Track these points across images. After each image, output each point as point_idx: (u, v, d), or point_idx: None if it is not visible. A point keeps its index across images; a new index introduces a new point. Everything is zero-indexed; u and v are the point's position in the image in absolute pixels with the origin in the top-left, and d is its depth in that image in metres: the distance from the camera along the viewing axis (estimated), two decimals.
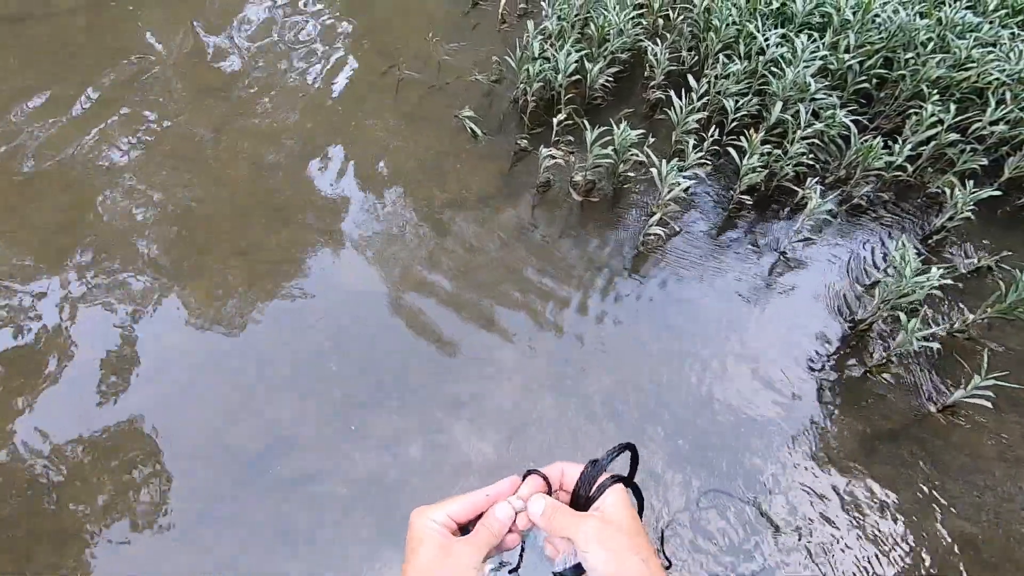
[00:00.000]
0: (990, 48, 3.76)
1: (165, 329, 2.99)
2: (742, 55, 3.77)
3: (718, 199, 3.66)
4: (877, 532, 2.61)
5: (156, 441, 2.67)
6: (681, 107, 3.57)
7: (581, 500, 0.83)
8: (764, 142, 3.47)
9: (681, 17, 4.11)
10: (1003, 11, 4.03)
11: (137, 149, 3.64)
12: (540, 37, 3.88)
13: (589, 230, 3.48)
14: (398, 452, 2.69)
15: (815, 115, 3.61)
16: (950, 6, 3.85)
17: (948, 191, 3.45)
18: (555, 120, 3.62)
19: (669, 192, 3.26)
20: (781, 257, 3.45)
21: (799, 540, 2.58)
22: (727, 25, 3.81)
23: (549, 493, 0.86)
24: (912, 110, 3.67)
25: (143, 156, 3.61)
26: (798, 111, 3.50)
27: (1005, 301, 3.02)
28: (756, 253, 3.46)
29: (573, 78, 3.78)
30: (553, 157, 3.47)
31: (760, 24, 3.80)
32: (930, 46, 3.75)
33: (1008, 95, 3.61)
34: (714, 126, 3.63)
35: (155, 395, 2.79)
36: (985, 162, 3.57)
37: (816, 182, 3.42)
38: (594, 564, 0.76)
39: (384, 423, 2.76)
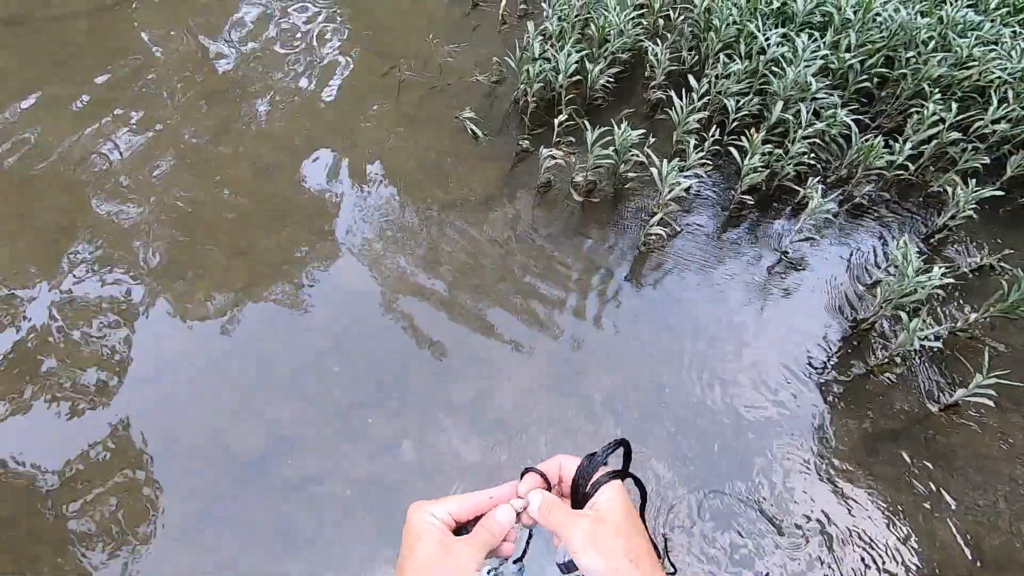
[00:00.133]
0: (991, 46, 3.75)
1: (165, 330, 2.99)
2: (743, 55, 3.76)
3: (719, 199, 3.66)
4: (879, 532, 2.60)
5: (157, 442, 2.67)
6: (682, 107, 3.56)
7: (579, 495, 0.82)
8: (765, 142, 3.46)
9: (681, 17, 4.10)
10: (1004, 9, 4.02)
11: (137, 151, 3.65)
12: (540, 38, 3.88)
13: (590, 230, 3.48)
14: (398, 453, 2.69)
15: (816, 114, 3.60)
16: (951, 5, 3.84)
17: (950, 190, 3.44)
18: (556, 121, 3.62)
19: (670, 192, 3.25)
20: (782, 257, 3.44)
21: (801, 541, 2.57)
22: (728, 25, 3.80)
23: (549, 489, 0.86)
24: (913, 109, 3.66)
25: (143, 158, 3.62)
26: (799, 110, 3.49)
27: (1007, 300, 3.00)
28: (757, 253, 3.45)
29: (574, 79, 3.78)
30: (554, 157, 3.47)
31: (761, 24, 3.79)
32: (931, 45, 3.74)
33: (1010, 93, 3.60)
34: (715, 126, 3.63)
35: (156, 396, 2.79)
36: (987, 161, 3.56)
37: (817, 181, 3.41)
38: (586, 565, 0.75)
39: (384, 423, 2.76)
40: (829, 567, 2.51)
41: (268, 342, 2.98)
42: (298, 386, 2.85)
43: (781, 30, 3.78)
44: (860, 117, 3.68)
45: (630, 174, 3.57)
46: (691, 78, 3.67)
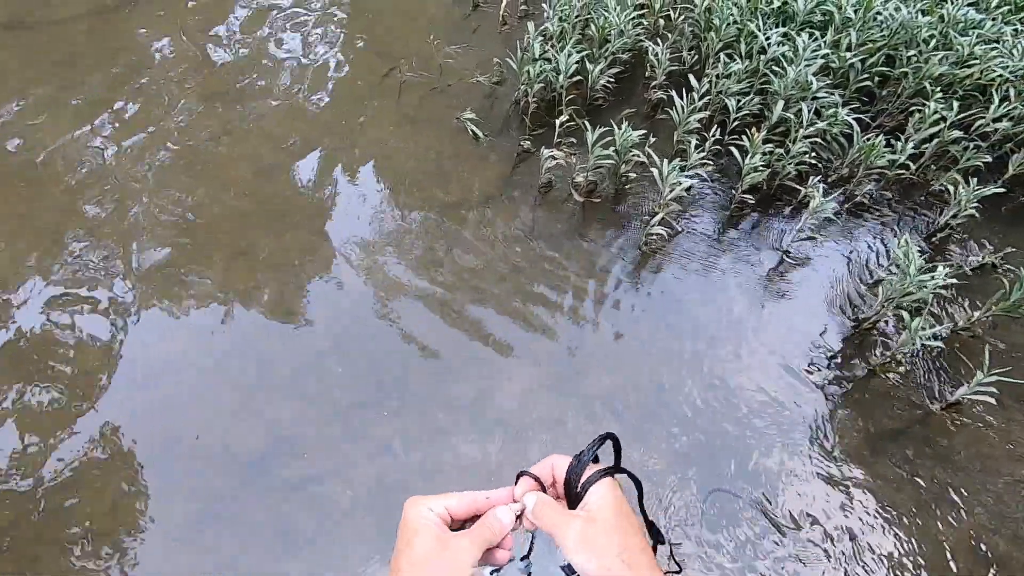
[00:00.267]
0: (993, 45, 3.74)
1: (166, 330, 3.00)
2: (743, 54, 3.76)
3: (720, 199, 3.65)
4: (882, 532, 2.60)
5: (158, 442, 2.68)
6: (683, 107, 3.56)
7: (572, 495, 0.82)
8: (766, 141, 3.46)
9: (682, 17, 4.10)
10: (1005, 7, 4.01)
11: (137, 152, 3.66)
12: (541, 38, 3.88)
13: (591, 231, 3.48)
14: (399, 453, 2.69)
15: (817, 114, 3.60)
16: (952, 3, 3.83)
17: (951, 189, 3.43)
18: (557, 121, 3.62)
19: (671, 192, 3.25)
20: (784, 256, 3.43)
21: (804, 541, 2.56)
22: (728, 24, 3.80)
23: (545, 491, 0.85)
24: (915, 108, 3.65)
25: (144, 159, 3.63)
26: (800, 110, 3.48)
27: (1009, 298, 2.99)
28: (758, 252, 3.45)
29: (574, 79, 3.78)
30: (554, 158, 3.47)
31: (761, 23, 3.79)
32: (932, 43, 3.73)
33: (1011, 91, 3.59)
34: (716, 126, 3.63)
35: (156, 396, 2.80)
36: (989, 159, 3.55)
37: (819, 181, 3.41)
38: (579, 565, 0.74)
39: (385, 423, 2.77)
40: (831, 567, 2.51)
41: (268, 342, 2.99)
42: (298, 386, 2.85)
43: (782, 29, 3.78)
44: (861, 116, 3.67)
45: (631, 174, 3.57)
46: (692, 78, 3.67)
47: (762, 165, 3.38)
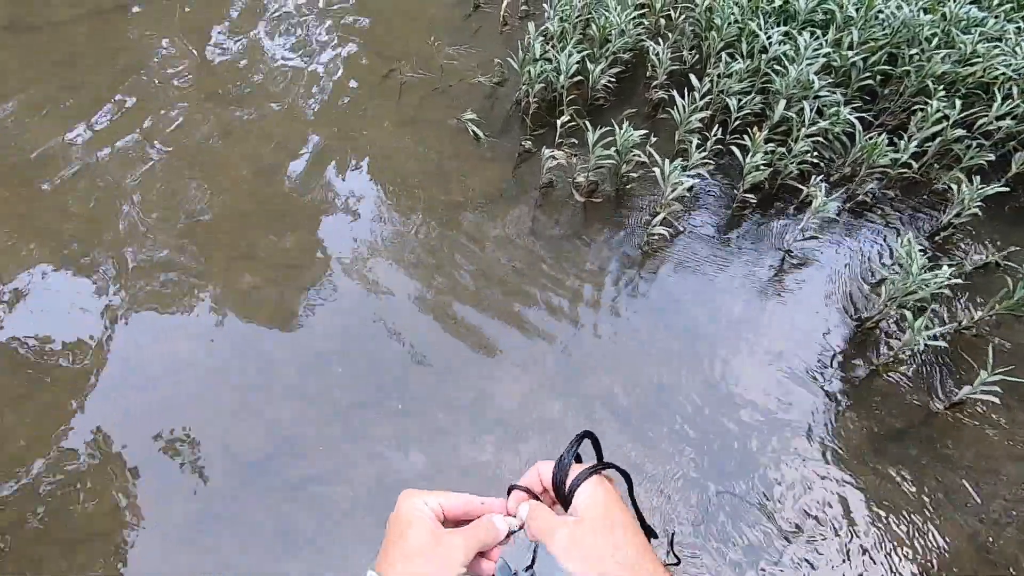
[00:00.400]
0: (996, 43, 3.72)
1: (167, 331, 3.00)
2: (744, 53, 3.75)
3: (722, 198, 3.64)
4: (885, 532, 2.58)
5: (162, 445, 2.68)
6: (684, 106, 3.55)
7: (561, 500, 0.80)
8: (768, 140, 3.45)
9: (683, 16, 4.09)
10: (1008, 5, 3.99)
11: (138, 153, 3.66)
12: (541, 38, 3.88)
13: (592, 231, 3.47)
14: (400, 454, 2.69)
15: (819, 113, 3.58)
16: (954, 1, 3.82)
17: (954, 187, 3.42)
18: (559, 122, 3.62)
19: (672, 192, 3.24)
20: (786, 255, 3.42)
21: (806, 541, 2.55)
22: (729, 24, 3.79)
23: (538, 500, 0.84)
24: (917, 106, 3.64)
25: (144, 160, 3.63)
26: (802, 109, 3.47)
27: (1013, 297, 2.98)
28: (760, 252, 3.44)
29: (575, 79, 3.78)
30: (555, 158, 3.46)
31: (762, 22, 3.78)
32: (935, 41, 3.72)
33: (1015, 90, 3.57)
34: (717, 125, 3.62)
35: (157, 397, 2.79)
36: (992, 158, 3.53)
37: (821, 180, 3.40)
38: (573, 572, 0.72)
39: (385, 424, 2.76)
40: (834, 567, 2.49)
41: (268, 343, 2.98)
42: (298, 387, 2.85)
43: (783, 28, 3.77)
44: (863, 115, 3.65)
45: (632, 174, 3.56)
46: (693, 77, 3.66)
47: (764, 164, 3.37)
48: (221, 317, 3.05)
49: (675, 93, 3.63)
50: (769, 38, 3.67)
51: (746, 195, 3.48)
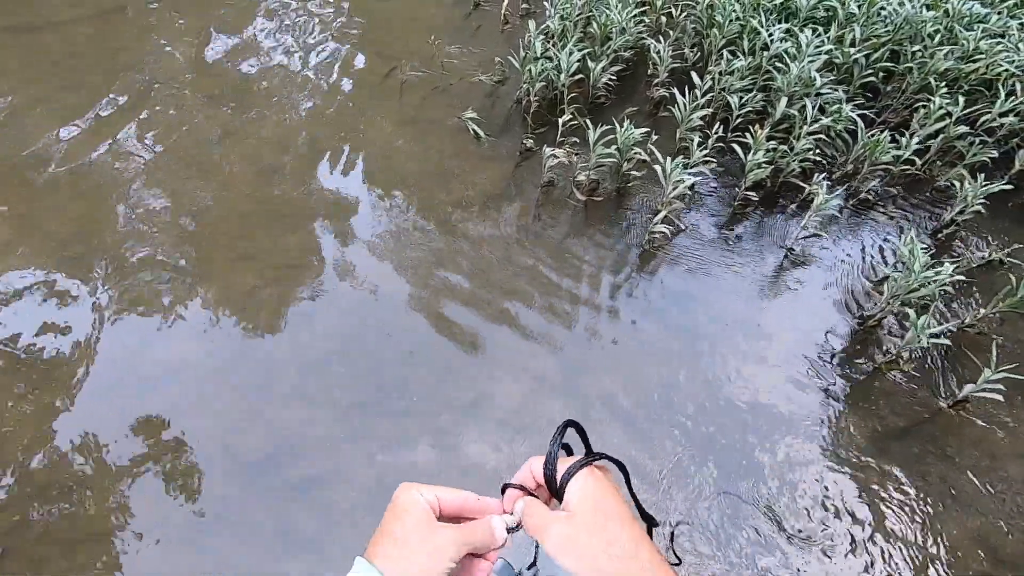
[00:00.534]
0: (999, 39, 3.71)
1: (169, 332, 3.00)
2: (746, 51, 3.74)
3: (723, 196, 3.63)
4: (889, 531, 2.57)
5: (163, 446, 2.68)
6: (685, 104, 3.54)
7: (554, 494, 0.79)
8: (770, 138, 3.44)
9: (684, 14, 4.08)
10: (1011, 1, 3.98)
11: (146, 156, 3.67)
12: (542, 37, 3.87)
13: (593, 229, 3.47)
14: (402, 454, 2.68)
15: (821, 110, 3.57)
16: None
17: (957, 184, 3.41)
18: (560, 120, 3.61)
19: (674, 190, 3.23)
20: (788, 254, 3.41)
21: (809, 541, 2.54)
22: (730, 21, 3.78)
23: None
24: (920, 103, 3.62)
25: (152, 163, 3.64)
26: (804, 106, 3.46)
27: (1016, 295, 2.97)
28: (762, 250, 3.42)
29: (576, 77, 3.77)
30: (556, 157, 3.46)
31: (764, 19, 3.77)
32: (937, 38, 3.71)
33: (1018, 86, 3.56)
34: (718, 123, 3.61)
35: (163, 400, 2.79)
36: (995, 155, 3.51)
37: (823, 177, 3.38)
38: (567, 568, 0.72)
39: (389, 425, 2.76)
40: (836, 566, 2.49)
41: (273, 345, 2.98)
42: (299, 387, 2.84)
43: (784, 25, 3.75)
44: (866, 112, 3.64)
45: (633, 173, 3.55)
46: (694, 75, 3.65)
47: (765, 162, 3.36)
48: (221, 317, 3.05)
49: (676, 91, 3.62)
50: (771, 35, 3.65)
51: (748, 193, 3.47)
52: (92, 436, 2.69)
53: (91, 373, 2.86)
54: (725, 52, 3.76)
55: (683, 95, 3.56)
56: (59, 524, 2.47)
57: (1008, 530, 2.57)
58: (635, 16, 3.90)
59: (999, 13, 3.88)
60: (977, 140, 3.54)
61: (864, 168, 3.51)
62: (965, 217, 3.38)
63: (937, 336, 2.87)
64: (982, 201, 3.29)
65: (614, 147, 3.37)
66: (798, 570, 2.47)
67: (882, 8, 3.82)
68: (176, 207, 3.44)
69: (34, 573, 2.37)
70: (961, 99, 3.47)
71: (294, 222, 3.42)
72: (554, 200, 3.58)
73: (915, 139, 3.43)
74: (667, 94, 3.86)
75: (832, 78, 3.66)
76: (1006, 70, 3.58)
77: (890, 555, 2.51)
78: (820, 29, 3.72)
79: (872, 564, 2.49)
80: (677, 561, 2.45)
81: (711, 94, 3.64)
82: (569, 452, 0.84)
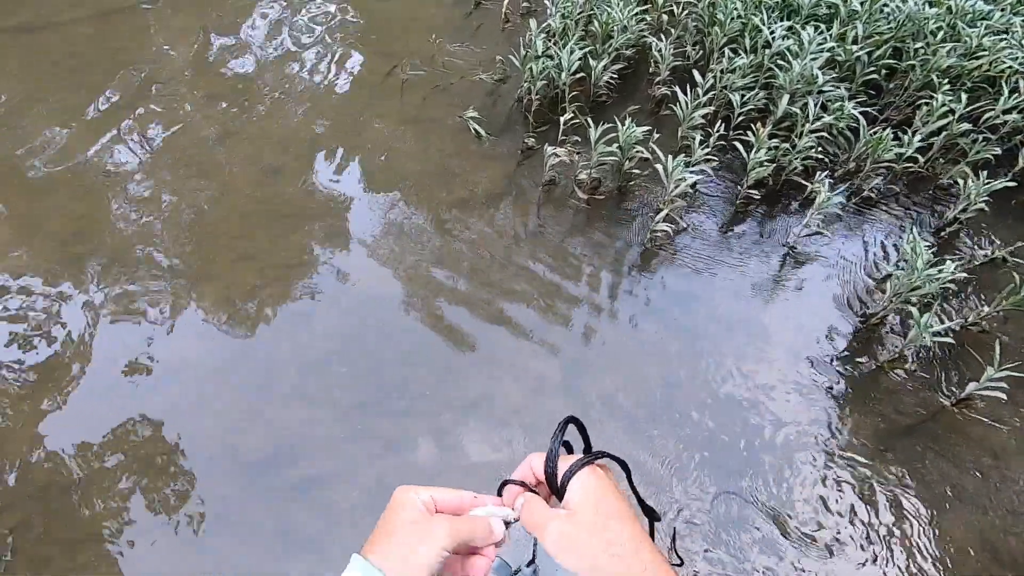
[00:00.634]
0: (1002, 36, 3.69)
1: (171, 333, 3.00)
2: (748, 49, 3.73)
3: (725, 195, 3.62)
4: (892, 530, 2.56)
5: (165, 446, 2.68)
6: (687, 102, 3.53)
7: (554, 492, 0.79)
8: (772, 136, 3.43)
9: (685, 12, 4.07)
10: None
11: (146, 156, 3.67)
12: (543, 35, 3.86)
13: (595, 228, 3.46)
14: (403, 454, 2.68)
15: (823, 108, 3.56)
16: None
17: (960, 182, 3.39)
18: (561, 119, 3.60)
19: (675, 188, 3.22)
20: (790, 252, 3.40)
21: (811, 540, 2.54)
22: (732, 19, 3.77)
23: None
24: (922, 100, 3.61)
25: (152, 163, 3.64)
26: (806, 104, 3.45)
27: (1020, 293, 2.95)
28: (764, 248, 3.42)
29: (577, 76, 3.76)
30: (557, 155, 3.45)
31: (765, 17, 3.75)
32: (940, 35, 3.69)
33: (1021, 83, 3.54)
34: (720, 121, 3.59)
35: (164, 400, 2.79)
36: (998, 152, 3.50)
37: (825, 175, 3.37)
38: (567, 567, 0.72)
39: (389, 425, 2.75)
40: (840, 566, 2.48)
41: (275, 345, 2.98)
42: (300, 387, 2.84)
43: (786, 23, 3.74)
44: (868, 110, 3.63)
45: (635, 171, 3.54)
46: (696, 73, 3.64)
47: (767, 160, 3.35)
48: (222, 317, 3.05)
49: (678, 89, 3.61)
50: (772, 33, 3.64)
51: (750, 191, 3.46)
52: (92, 436, 2.69)
53: (91, 373, 2.86)
54: (727, 50, 3.75)
55: (685, 93, 3.55)
56: (60, 524, 2.47)
57: (1013, 529, 2.56)
58: (636, 14, 3.89)
59: (1002, 10, 3.86)
60: (980, 137, 3.52)
61: (866, 166, 3.50)
62: (968, 215, 3.37)
63: (940, 334, 2.86)
64: (985, 199, 3.28)
65: (616, 146, 3.36)
66: (800, 569, 2.46)
67: (884, 5, 3.80)
68: (176, 207, 3.44)
69: (35, 573, 2.37)
70: (964, 96, 3.46)
71: (294, 222, 3.42)
72: (555, 199, 3.57)
73: (918, 137, 3.41)
74: (669, 92, 3.85)
75: (834, 76, 3.65)
76: (1009, 67, 3.57)
77: (892, 554, 2.51)
78: (822, 27, 3.71)
79: (874, 563, 2.49)
80: (679, 562, 2.45)
81: (713, 92, 3.63)
82: (569, 449, 0.84)
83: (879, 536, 2.55)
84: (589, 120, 3.45)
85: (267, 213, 3.44)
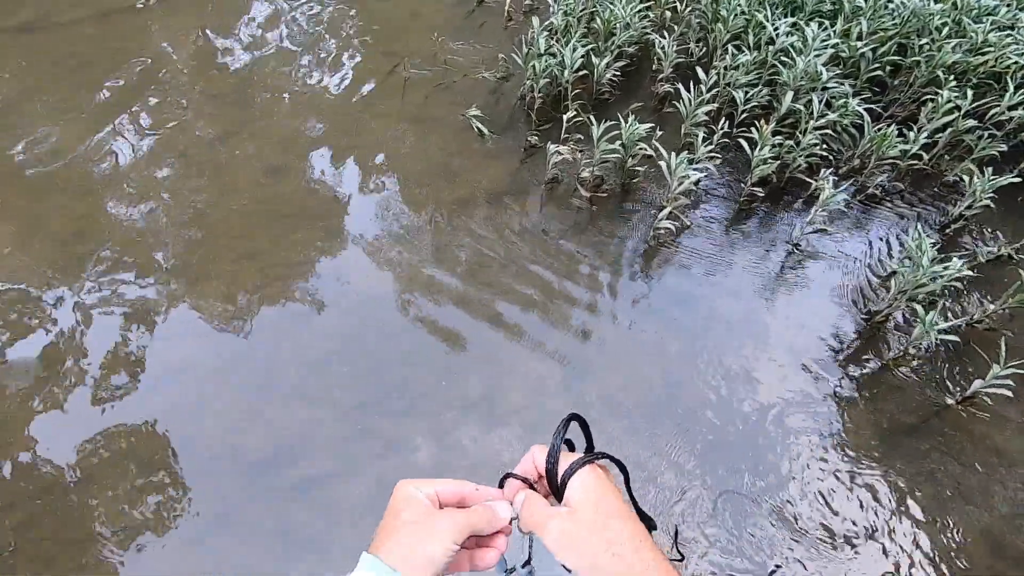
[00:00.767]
0: (1008, 31, 3.67)
1: (173, 333, 3.00)
2: (751, 45, 3.71)
3: (729, 192, 3.61)
4: (897, 529, 2.55)
5: (166, 446, 2.68)
6: (690, 99, 3.52)
7: (555, 489, 0.79)
8: (776, 133, 3.41)
9: (688, 8, 4.06)
10: None
11: (145, 154, 3.67)
12: (546, 33, 3.85)
13: (598, 226, 3.45)
14: (404, 454, 2.68)
15: (827, 104, 3.54)
16: None
17: (966, 179, 3.37)
18: (564, 117, 3.59)
19: (679, 185, 3.21)
20: (794, 249, 3.39)
21: (815, 539, 2.53)
22: (735, 15, 3.75)
23: (532, 488, 0.83)
24: (928, 97, 3.59)
25: (151, 161, 3.64)
26: (810, 101, 3.43)
27: None
28: (768, 246, 3.40)
29: (580, 73, 3.75)
30: (560, 153, 3.44)
31: (769, 13, 3.74)
32: (945, 31, 3.67)
33: None
34: (724, 118, 3.58)
35: (164, 400, 2.79)
36: (1004, 148, 3.47)
37: (829, 173, 3.35)
38: (568, 565, 0.72)
39: (389, 425, 2.75)
40: (843, 565, 2.47)
41: (277, 345, 2.98)
42: (301, 387, 2.84)
43: (790, 19, 3.72)
44: (872, 106, 3.61)
45: (638, 168, 3.53)
46: (699, 70, 3.62)
47: (771, 157, 3.33)
48: (222, 317, 3.05)
49: (681, 86, 3.60)
50: (776, 29, 3.63)
51: (753, 188, 3.44)
52: (92, 436, 2.69)
53: (91, 373, 2.86)
54: (730, 47, 3.73)
55: (688, 90, 3.54)
56: (60, 524, 2.47)
57: (1018, 527, 2.55)
58: (639, 11, 3.87)
59: (1008, 5, 3.84)
60: (986, 134, 3.50)
61: (871, 163, 3.48)
62: (974, 212, 3.35)
63: (945, 332, 2.85)
64: (991, 195, 3.26)
65: (618, 143, 3.35)
66: (803, 567, 2.45)
67: (889, 1, 3.78)
68: (177, 206, 3.44)
69: (36, 573, 2.37)
70: (969, 92, 3.43)
71: (295, 221, 3.42)
72: (558, 197, 3.56)
73: (923, 133, 3.39)
74: (672, 89, 3.84)
75: (838, 72, 3.63)
76: (1015, 63, 3.54)
77: (896, 552, 2.49)
78: (826, 23, 3.69)
79: (877, 560, 2.47)
80: (680, 557, 2.45)
81: (716, 89, 3.61)
82: (571, 447, 0.84)
83: (883, 534, 2.54)
84: (592, 118, 3.44)
85: (268, 213, 3.44)
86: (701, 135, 3.36)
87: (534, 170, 3.66)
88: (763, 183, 3.47)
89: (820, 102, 3.41)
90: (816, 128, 3.38)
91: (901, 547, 2.51)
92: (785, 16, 3.81)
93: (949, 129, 3.48)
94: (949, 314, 3.09)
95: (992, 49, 3.58)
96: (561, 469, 0.77)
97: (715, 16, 3.90)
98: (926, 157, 3.49)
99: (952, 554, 2.49)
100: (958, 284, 3.06)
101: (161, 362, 2.91)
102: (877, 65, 3.66)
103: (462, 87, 4.10)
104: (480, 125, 3.81)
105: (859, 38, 3.65)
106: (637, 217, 3.49)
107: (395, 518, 0.74)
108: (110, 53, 4.23)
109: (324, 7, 4.65)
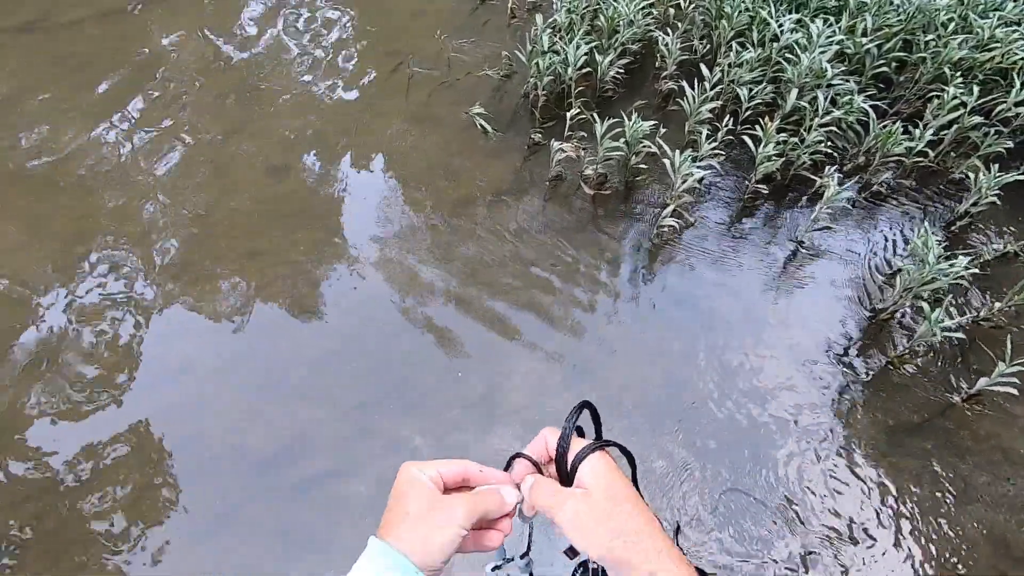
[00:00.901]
0: (1014, 27, 3.64)
1: (176, 332, 3.00)
2: (756, 42, 3.69)
3: (733, 189, 3.60)
4: (901, 528, 2.54)
5: (166, 446, 2.68)
6: (694, 97, 3.51)
7: (564, 472, 0.79)
8: (780, 130, 3.39)
9: (692, 5, 4.04)
10: None
11: (148, 153, 3.67)
12: (549, 31, 3.84)
13: (601, 224, 3.44)
14: (405, 454, 2.68)
15: (832, 101, 3.52)
16: None
17: (972, 176, 3.35)
18: (568, 114, 3.58)
19: (683, 183, 3.20)
20: (799, 247, 3.37)
21: (820, 537, 2.52)
22: (740, 12, 3.74)
23: (540, 471, 0.83)
24: (933, 93, 3.56)
25: (154, 160, 3.64)
26: (815, 98, 3.41)
27: None
28: (773, 244, 3.39)
29: (583, 71, 3.74)
30: (564, 151, 3.43)
31: (773, 10, 3.72)
32: (951, 27, 3.64)
33: None
34: (728, 115, 3.57)
35: (166, 400, 2.79)
36: (1010, 145, 3.45)
37: (834, 170, 3.34)
38: (580, 547, 0.72)
39: (390, 424, 2.75)
40: (848, 563, 2.46)
41: (279, 344, 2.98)
42: (303, 386, 2.84)
43: (795, 16, 3.70)
44: (878, 103, 3.58)
45: (641, 166, 3.52)
46: (703, 67, 3.61)
47: (776, 155, 3.32)
48: (225, 316, 3.06)
49: (685, 84, 3.58)
50: (781, 26, 3.61)
51: (758, 186, 3.43)
52: (92, 436, 2.69)
53: (91, 373, 2.86)
54: (734, 44, 3.71)
55: (692, 88, 3.52)
56: (61, 524, 2.48)
57: (1021, 525, 2.54)
58: (643, 8, 3.86)
59: (1015, 1, 3.81)
60: (992, 130, 3.47)
61: (876, 160, 3.46)
62: (979, 209, 3.33)
63: (951, 330, 2.83)
64: (997, 192, 3.23)
65: (622, 140, 3.34)
66: (806, 566, 2.45)
67: None
68: (179, 206, 3.45)
69: (36, 573, 2.38)
70: (976, 89, 3.41)
71: (296, 221, 3.42)
72: (562, 194, 3.55)
73: (928, 130, 3.37)
74: (676, 87, 3.83)
75: (843, 69, 3.61)
76: (1022, 59, 3.52)
77: (900, 551, 2.48)
78: (831, 19, 3.66)
79: (881, 560, 2.46)
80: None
81: (720, 86, 3.60)
82: (581, 434, 0.84)
83: (887, 532, 2.53)
84: (595, 115, 3.43)
85: (268, 212, 3.44)
86: (705, 132, 3.35)
87: (538, 167, 3.65)
88: (767, 180, 3.46)
89: (825, 99, 3.39)
90: (821, 125, 3.36)
91: (905, 544, 2.50)
92: (789, 12, 3.79)
93: (955, 126, 3.46)
94: (955, 312, 3.07)
95: (999, 45, 3.55)
96: (571, 454, 0.78)
97: (719, 13, 3.88)
98: (932, 154, 3.47)
99: (957, 551, 2.48)
100: (964, 281, 3.04)
101: (161, 362, 2.91)
102: (882, 61, 3.64)
103: (465, 85, 4.09)
104: (484, 123, 3.80)
105: (864, 34, 3.63)
106: (641, 214, 3.48)
107: (401, 503, 0.74)
108: (110, 53, 4.24)
109: (326, 6, 4.65)
